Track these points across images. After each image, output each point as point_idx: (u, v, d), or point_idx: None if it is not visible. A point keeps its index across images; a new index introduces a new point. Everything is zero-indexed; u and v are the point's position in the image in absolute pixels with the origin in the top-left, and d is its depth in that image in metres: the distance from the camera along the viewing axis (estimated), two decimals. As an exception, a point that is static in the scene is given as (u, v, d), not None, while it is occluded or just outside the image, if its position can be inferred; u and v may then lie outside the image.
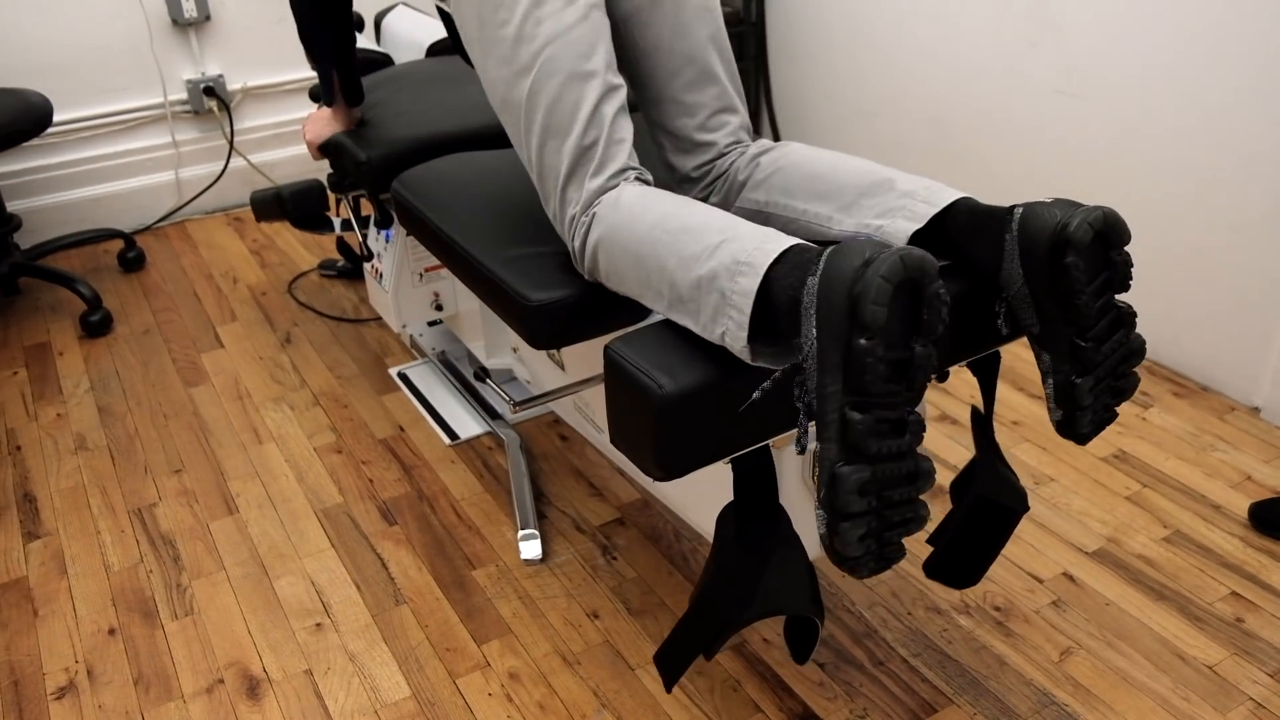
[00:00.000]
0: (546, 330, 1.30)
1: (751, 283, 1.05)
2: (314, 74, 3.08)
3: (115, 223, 2.94)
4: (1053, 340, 1.13)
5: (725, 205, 1.43)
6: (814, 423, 1.01)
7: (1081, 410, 1.13)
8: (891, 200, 1.22)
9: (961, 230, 1.18)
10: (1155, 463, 1.95)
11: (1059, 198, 1.12)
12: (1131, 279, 1.11)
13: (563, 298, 1.30)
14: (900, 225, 1.21)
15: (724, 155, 1.44)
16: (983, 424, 1.38)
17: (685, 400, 1.04)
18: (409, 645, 1.59)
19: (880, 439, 0.97)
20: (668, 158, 1.48)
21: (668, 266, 1.15)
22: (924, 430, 1.01)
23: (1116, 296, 1.12)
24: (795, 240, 1.07)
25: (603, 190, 1.31)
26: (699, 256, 1.11)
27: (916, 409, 1.00)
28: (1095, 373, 1.12)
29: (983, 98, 2.46)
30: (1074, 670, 1.53)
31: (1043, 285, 1.10)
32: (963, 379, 2.23)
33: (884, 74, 2.73)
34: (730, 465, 1.19)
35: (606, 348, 1.11)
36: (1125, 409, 2.11)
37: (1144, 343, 1.16)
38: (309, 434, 2.09)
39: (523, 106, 1.34)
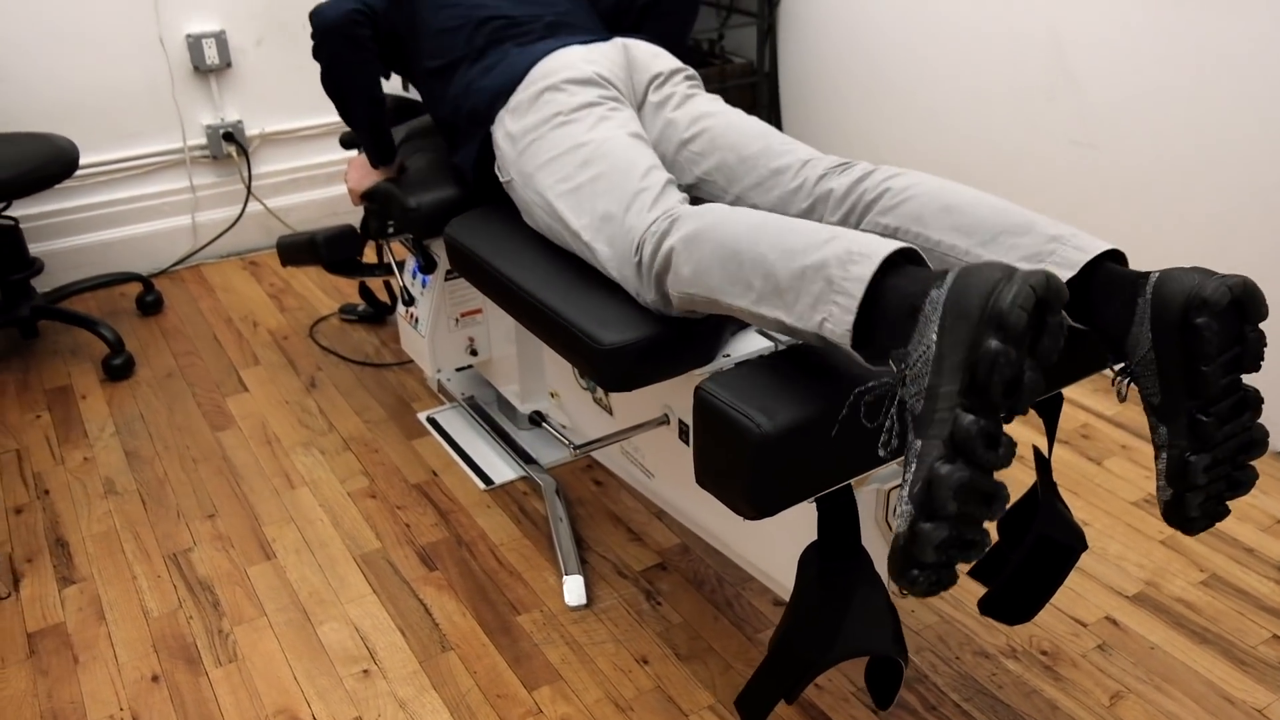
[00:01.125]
0: (620, 373, 1.30)
1: (866, 270, 1.05)
2: (331, 120, 3.10)
3: (130, 266, 2.93)
4: (1172, 412, 1.10)
5: (846, 225, 1.43)
6: (910, 423, 1.00)
7: (1193, 491, 1.10)
8: (1038, 243, 1.22)
9: (1094, 288, 1.18)
10: (1185, 507, 1.97)
11: (1198, 266, 1.11)
12: (1263, 358, 1.09)
13: (635, 340, 1.31)
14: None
15: (823, 178, 1.47)
16: (1044, 464, 1.39)
17: (782, 439, 1.05)
18: (459, 692, 1.57)
19: (984, 446, 0.96)
20: None
21: (767, 258, 1.16)
22: (1014, 453, 1.00)
23: (1244, 379, 1.10)
24: (907, 244, 1.08)
25: (669, 209, 1.37)
26: (805, 249, 1.12)
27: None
28: (1213, 452, 1.09)
29: (1000, 146, 2.51)
30: (1125, 714, 1.53)
31: (1170, 351, 1.08)
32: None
33: (898, 122, 2.78)
34: (812, 505, 1.19)
35: (698, 388, 1.12)
36: (1149, 453, 2.14)
37: (1267, 434, 1.12)
38: (341, 479, 2.07)
39: (582, 189, 1.46)
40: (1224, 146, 2.06)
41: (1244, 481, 1.14)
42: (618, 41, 1.76)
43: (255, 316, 2.74)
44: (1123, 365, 1.16)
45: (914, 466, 0.98)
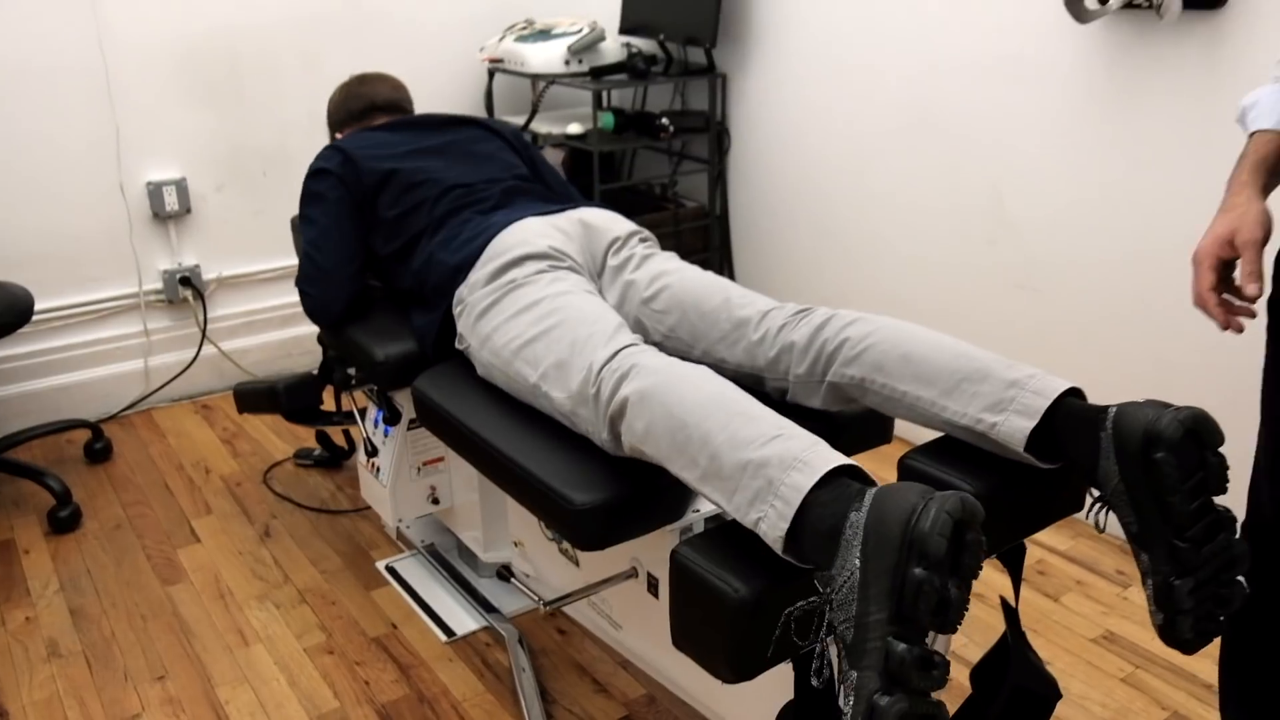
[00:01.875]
0: (593, 533, 1.31)
1: (806, 480, 1.08)
2: (289, 263, 3.13)
3: (78, 411, 2.88)
4: (1151, 540, 1.14)
5: (813, 376, 1.47)
6: (841, 652, 1.01)
7: (1183, 614, 1.13)
8: (998, 390, 1.26)
9: (1058, 426, 1.22)
10: (1143, 642, 2.00)
11: (1151, 398, 1.18)
12: (1228, 480, 1.13)
13: (607, 499, 1.32)
14: (1015, 424, 1.24)
15: (784, 328, 1.52)
16: (1012, 613, 1.41)
17: (759, 604, 1.06)
18: None
19: (919, 671, 0.97)
20: (747, 377, 1.56)
21: (714, 440, 1.19)
22: (949, 672, 1.01)
23: (1216, 499, 1.15)
24: (847, 459, 1.11)
25: (623, 347, 1.40)
26: (752, 441, 1.14)
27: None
28: (1196, 575, 1.12)
29: (945, 290, 2.61)
30: None
31: (1138, 483, 1.12)
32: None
33: (846, 265, 2.89)
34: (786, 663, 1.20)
35: (674, 553, 1.13)
36: (1105, 588, 2.17)
37: (1247, 550, 1.15)
38: (297, 634, 2.02)
39: (536, 341, 1.51)
40: (1164, 287, 2.16)
41: (1232, 598, 1.16)
42: (572, 214, 1.81)
43: (207, 463, 2.70)
44: (1098, 496, 1.20)
45: (853, 700, 0.99)
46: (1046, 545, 2.32)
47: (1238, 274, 1.17)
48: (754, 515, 1.11)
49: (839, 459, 1.11)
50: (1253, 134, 1.23)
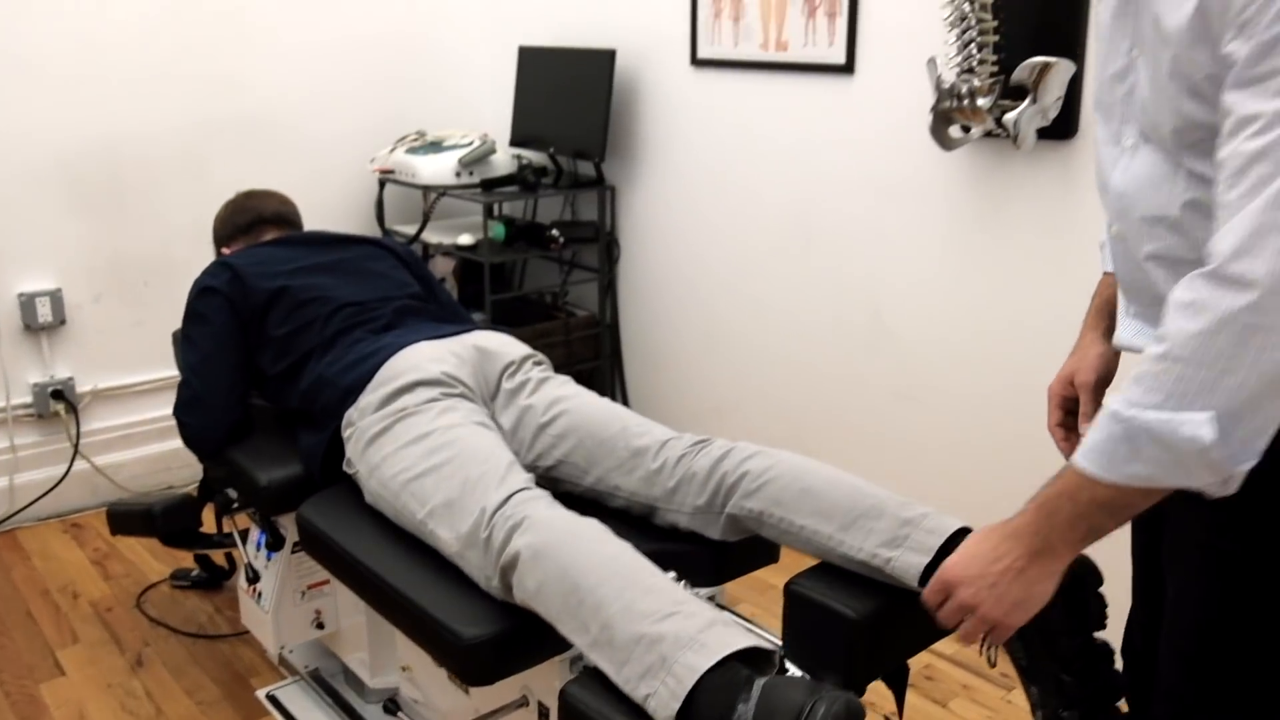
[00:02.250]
0: (482, 668, 1.29)
1: (701, 662, 1.09)
2: (168, 374, 3.04)
3: (-67, 534, 2.72)
4: (1039, 674, 1.20)
5: (713, 508, 1.49)
6: None
7: None
8: (893, 527, 1.31)
9: None
10: (1028, 746, 2.04)
11: None
12: (1106, 618, 1.22)
13: (496, 633, 1.30)
14: (910, 560, 1.28)
15: (683, 459, 1.53)
16: (897, 734, 1.44)
17: (648, 746, 1.06)
18: None
19: None
20: (641, 505, 1.57)
21: (608, 607, 1.19)
22: None
23: (1095, 634, 1.24)
24: (750, 641, 1.13)
25: (515, 491, 1.39)
26: (648, 615, 1.15)
27: None
28: (1080, 707, 1.19)
29: (829, 399, 2.70)
30: None
31: (1026, 622, 1.18)
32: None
33: (734, 373, 2.95)
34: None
35: (563, 691, 1.13)
36: (991, 692, 2.22)
37: (1124, 681, 1.22)
38: (169, 773, 1.91)
39: (425, 477, 1.49)
40: (1029, 405, 2.27)
41: None
42: (467, 339, 1.81)
43: (76, 586, 2.56)
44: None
45: None
46: (934, 650, 2.37)
47: None
48: (644, 690, 1.12)
49: (736, 643, 1.12)
50: (1105, 274, 1.32)
